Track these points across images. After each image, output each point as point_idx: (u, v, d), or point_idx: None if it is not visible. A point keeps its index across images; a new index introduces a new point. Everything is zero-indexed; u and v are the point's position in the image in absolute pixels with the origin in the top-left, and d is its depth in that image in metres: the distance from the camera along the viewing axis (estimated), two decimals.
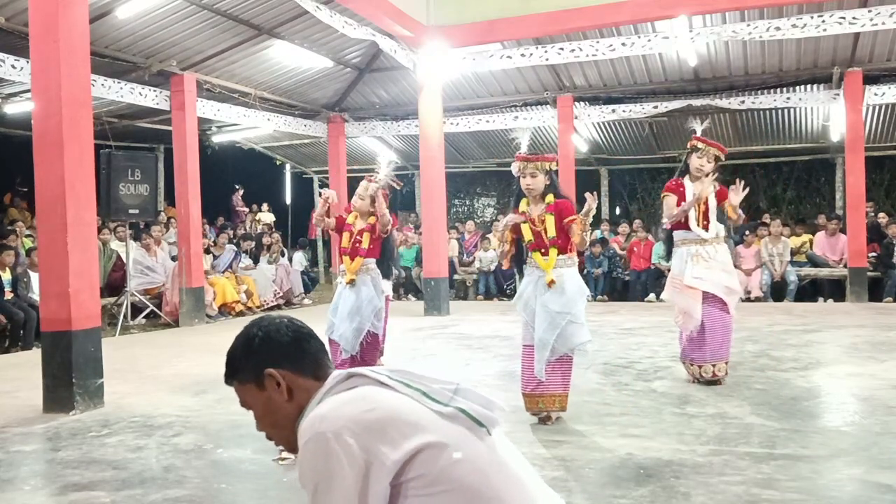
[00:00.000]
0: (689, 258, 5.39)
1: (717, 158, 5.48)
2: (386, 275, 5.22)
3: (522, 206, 4.61)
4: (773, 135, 13.89)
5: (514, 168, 4.59)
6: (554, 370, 4.41)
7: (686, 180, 5.51)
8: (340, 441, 1.37)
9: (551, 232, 4.46)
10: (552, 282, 4.37)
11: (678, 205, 5.42)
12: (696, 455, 3.74)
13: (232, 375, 1.64)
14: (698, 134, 5.56)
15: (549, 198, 4.52)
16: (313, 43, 10.55)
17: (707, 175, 5.46)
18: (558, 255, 4.45)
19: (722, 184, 5.66)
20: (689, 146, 5.60)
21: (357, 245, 4.99)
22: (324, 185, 16.56)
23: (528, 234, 4.52)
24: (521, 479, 1.49)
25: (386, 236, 5.05)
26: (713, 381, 5.32)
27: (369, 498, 1.37)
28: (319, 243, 16.66)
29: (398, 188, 5.47)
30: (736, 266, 11.16)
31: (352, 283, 4.91)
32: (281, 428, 1.61)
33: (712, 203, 5.40)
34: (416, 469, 1.39)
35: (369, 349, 4.91)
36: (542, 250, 4.49)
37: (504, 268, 4.82)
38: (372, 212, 5.04)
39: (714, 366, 5.32)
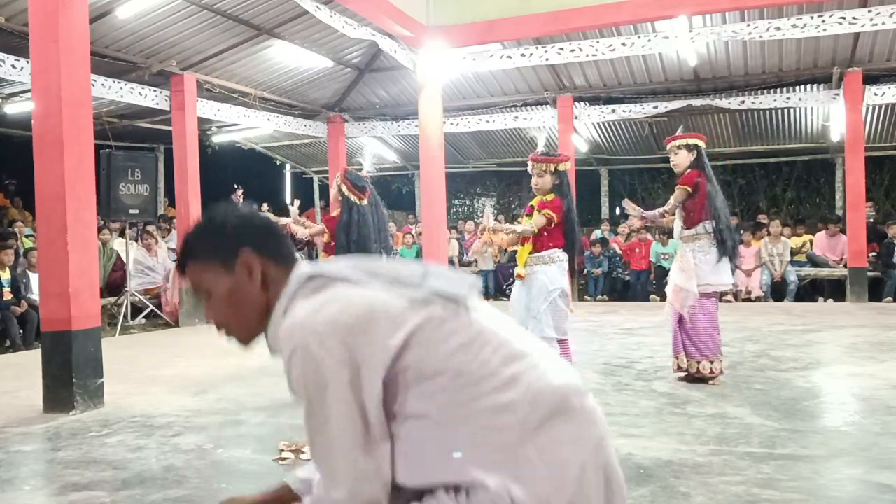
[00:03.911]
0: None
1: (687, 147, 5.24)
2: None
3: (534, 202, 4.80)
4: (773, 135, 13.89)
5: (529, 167, 4.81)
6: None
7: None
8: (326, 348, 1.33)
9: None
10: (520, 276, 4.59)
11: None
12: (696, 455, 3.74)
13: (191, 255, 1.49)
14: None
15: (549, 196, 4.62)
16: (313, 43, 10.55)
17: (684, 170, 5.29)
18: (533, 252, 4.61)
19: (694, 169, 5.26)
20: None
21: (332, 244, 5.08)
22: (324, 185, 16.56)
23: None
24: (511, 342, 1.45)
25: (309, 240, 5.13)
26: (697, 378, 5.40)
27: (364, 399, 1.34)
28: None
29: (366, 177, 5.50)
30: (736, 266, 11.25)
31: None
32: (243, 318, 1.50)
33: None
34: (404, 362, 1.36)
35: None
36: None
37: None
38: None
39: (677, 357, 5.45)
